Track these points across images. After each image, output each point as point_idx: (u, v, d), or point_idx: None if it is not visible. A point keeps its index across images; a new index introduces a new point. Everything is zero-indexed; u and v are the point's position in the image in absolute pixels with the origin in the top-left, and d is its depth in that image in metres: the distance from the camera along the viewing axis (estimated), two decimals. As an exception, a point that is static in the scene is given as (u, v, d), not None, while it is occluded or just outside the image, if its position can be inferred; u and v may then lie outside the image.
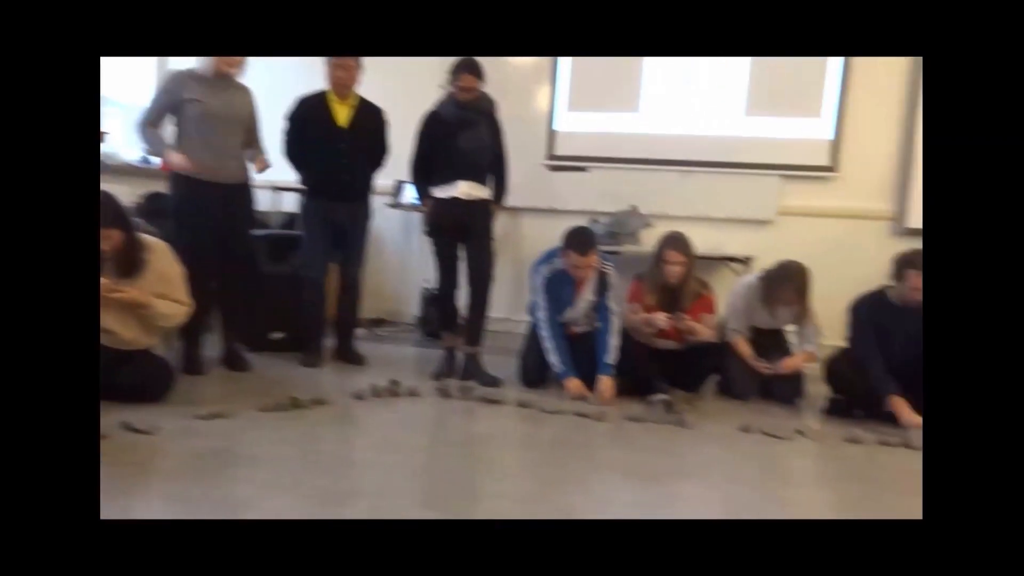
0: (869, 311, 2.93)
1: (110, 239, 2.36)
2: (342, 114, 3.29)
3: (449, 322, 3.36)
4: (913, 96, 4.06)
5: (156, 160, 3.71)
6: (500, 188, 3.28)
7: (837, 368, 3.06)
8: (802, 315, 3.21)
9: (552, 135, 4.53)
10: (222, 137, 3.00)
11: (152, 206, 3.52)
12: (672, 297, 3.20)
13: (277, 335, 3.61)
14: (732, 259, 4.11)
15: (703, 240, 3.80)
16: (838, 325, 3.10)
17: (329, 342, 3.51)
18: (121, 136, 4.00)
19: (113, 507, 1.61)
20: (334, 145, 3.26)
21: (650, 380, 3.01)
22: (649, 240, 3.72)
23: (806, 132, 4.20)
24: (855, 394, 2.96)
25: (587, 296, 3.11)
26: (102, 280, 2.33)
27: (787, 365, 3.15)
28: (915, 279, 2.77)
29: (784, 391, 3.17)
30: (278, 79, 3.92)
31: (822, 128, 4.18)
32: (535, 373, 3.17)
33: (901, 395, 2.78)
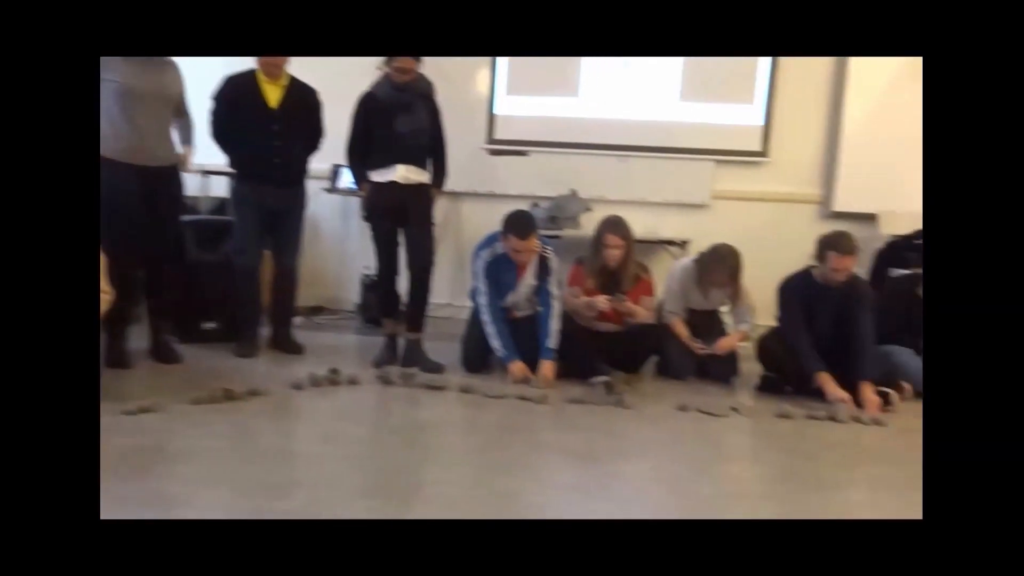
0: (796, 291, 3.05)
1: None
2: (273, 95, 3.17)
3: (390, 309, 3.32)
4: (838, 85, 4.22)
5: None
6: (439, 172, 3.24)
7: (768, 346, 3.18)
8: (735, 296, 3.32)
9: (492, 119, 4.51)
10: (146, 118, 2.85)
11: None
12: (612, 280, 3.24)
13: (209, 325, 3.49)
14: (669, 242, 4.20)
15: (641, 224, 3.87)
16: (769, 305, 3.22)
17: (265, 331, 3.41)
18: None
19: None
20: (265, 127, 3.15)
21: (591, 362, 3.06)
22: (589, 224, 3.75)
23: (738, 118, 4.32)
24: (785, 371, 3.09)
25: (529, 280, 3.12)
26: None
27: (722, 345, 3.25)
28: (835, 260, 2.89)
29: (720, 370, 3.27)
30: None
31: (754, 114, 4.30)
32: (477, 358, 3.17)
33: (827, 371, 2.91)
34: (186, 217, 3.40)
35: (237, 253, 3.29)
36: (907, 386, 3.05)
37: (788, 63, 4.23)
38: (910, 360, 3.12)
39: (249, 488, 1.77)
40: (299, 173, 3.33)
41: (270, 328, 3.43)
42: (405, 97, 3.07)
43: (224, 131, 3.19)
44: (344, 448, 2.13)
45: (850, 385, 2.84)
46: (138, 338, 3.08)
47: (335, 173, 4.26)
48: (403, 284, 3.25)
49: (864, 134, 4.16)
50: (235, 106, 3.15)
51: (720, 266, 3.23)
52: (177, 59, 3.00)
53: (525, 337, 3.08)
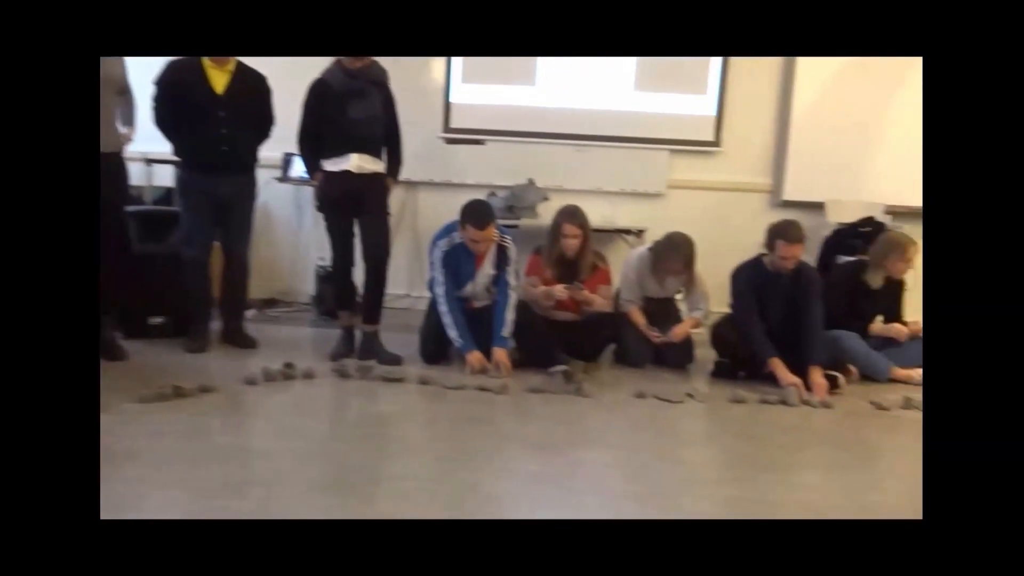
0: (748, 279, 3.12)
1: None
2: (219, 80, 3.07)
3: (346, 300, 3.26)
4: (788, 77, 4.31)
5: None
6: (394, 161, 3.19)
7: (722, 333, 3.24)
8: (689, 283, 3.38)
9: (448, 107, 4.45)
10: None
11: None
12: (570, 269, 3.26)
13: (156, 320, 3.38)
14: (626, 231, 4.24)
15: (598, 213, 3.89)
16: (723, 292, 3.28)
17: (216, 325, 3.31)
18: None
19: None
20: (211, 113, 3.05)
21: (549, 351, 3.07)
22: (546, 213, 3.75)
23: (692, 108, 4.37)
24: (738, 357, 3.16)
25: (487, 270, 3.11)
26: None
27: (677, 333, 3.30)
28: (784, 248, 2.97)
29: (675, 357, 3.33)
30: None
31: (707, 104, 4.36)
32: (436, 349, 3.14)
33: (779, 356, 2.99)
34: (131, 207, 3.27)
35: (185, 244, 3.19)
36: (853, 370, 3.17)
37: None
38: (856, 344, 3.23)
39: (202, 488, 1.72)
40: (248, 162, 3.23)
41: (221, 322, 3.33)
42: (358, 84, 3.00)
43: (167, 118, 3.07)
44: (301, 444, 2.09)
45: (800, 370, 2.93)
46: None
47: (287, 162, 4.15)
48: (359, 275, 3.20)
49: (812, 126, 4.26)
50: (179, 92, 3.03)
51: (675, 254, 3.28)
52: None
53: (483, 327, 3.06)
